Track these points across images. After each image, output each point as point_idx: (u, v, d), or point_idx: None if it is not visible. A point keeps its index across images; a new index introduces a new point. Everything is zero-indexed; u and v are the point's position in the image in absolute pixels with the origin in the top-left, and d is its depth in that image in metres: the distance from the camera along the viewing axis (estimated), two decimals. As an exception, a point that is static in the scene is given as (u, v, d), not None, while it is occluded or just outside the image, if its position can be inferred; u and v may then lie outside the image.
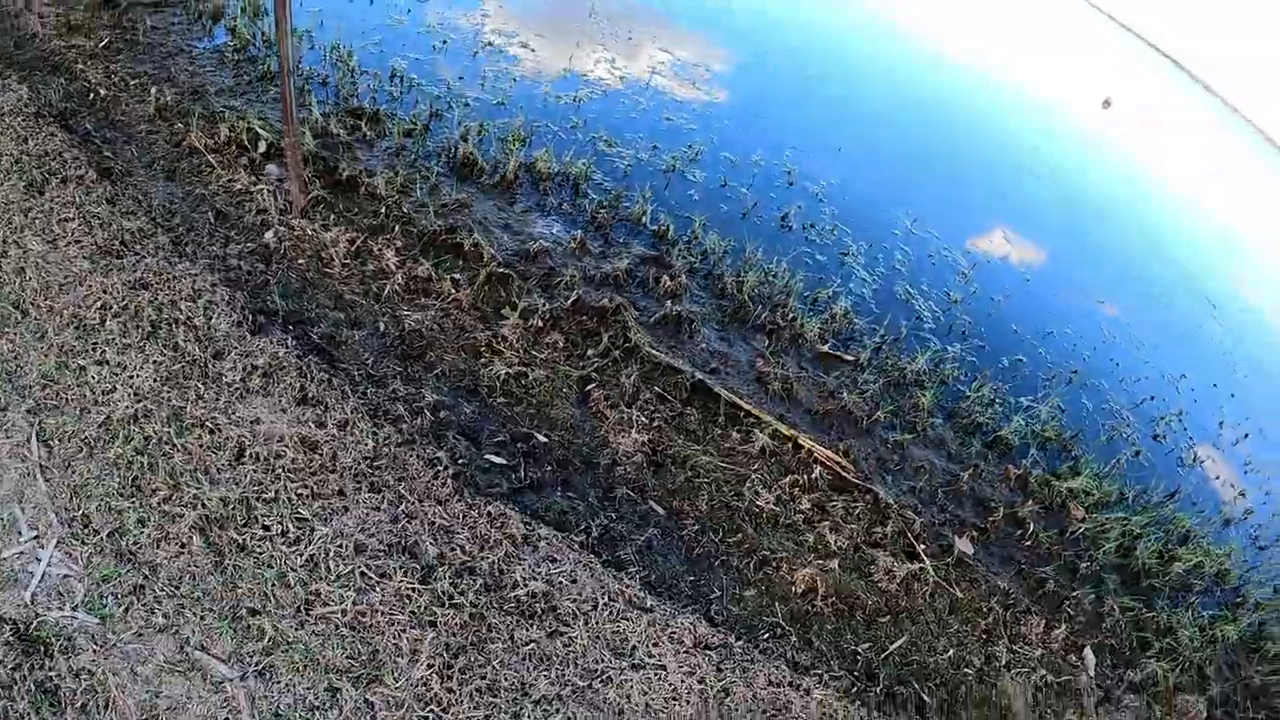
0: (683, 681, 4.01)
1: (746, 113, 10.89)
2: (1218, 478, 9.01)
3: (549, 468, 4.92)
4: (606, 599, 4.22)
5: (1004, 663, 5.23)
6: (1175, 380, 10.42)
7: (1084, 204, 16.51)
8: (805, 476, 5.58)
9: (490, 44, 9.25)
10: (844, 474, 5.78)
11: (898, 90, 17.47)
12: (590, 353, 5.80)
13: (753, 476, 5.42)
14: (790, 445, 5.77)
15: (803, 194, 9.27)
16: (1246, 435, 10.32)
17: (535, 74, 9.11)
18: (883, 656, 4.82)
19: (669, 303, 6.45)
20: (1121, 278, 13.69)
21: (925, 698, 4.74)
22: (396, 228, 6.10)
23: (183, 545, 3.62)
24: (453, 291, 5.77)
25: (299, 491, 4.03)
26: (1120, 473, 7.58)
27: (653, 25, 12.38)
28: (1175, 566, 6.78)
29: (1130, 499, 7.32)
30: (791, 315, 6.95)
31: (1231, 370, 12.46)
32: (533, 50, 9.56)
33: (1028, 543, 6.24)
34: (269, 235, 5.64)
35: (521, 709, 3.58)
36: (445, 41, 8.79)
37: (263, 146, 6.30)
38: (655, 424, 5.48)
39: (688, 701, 3.95)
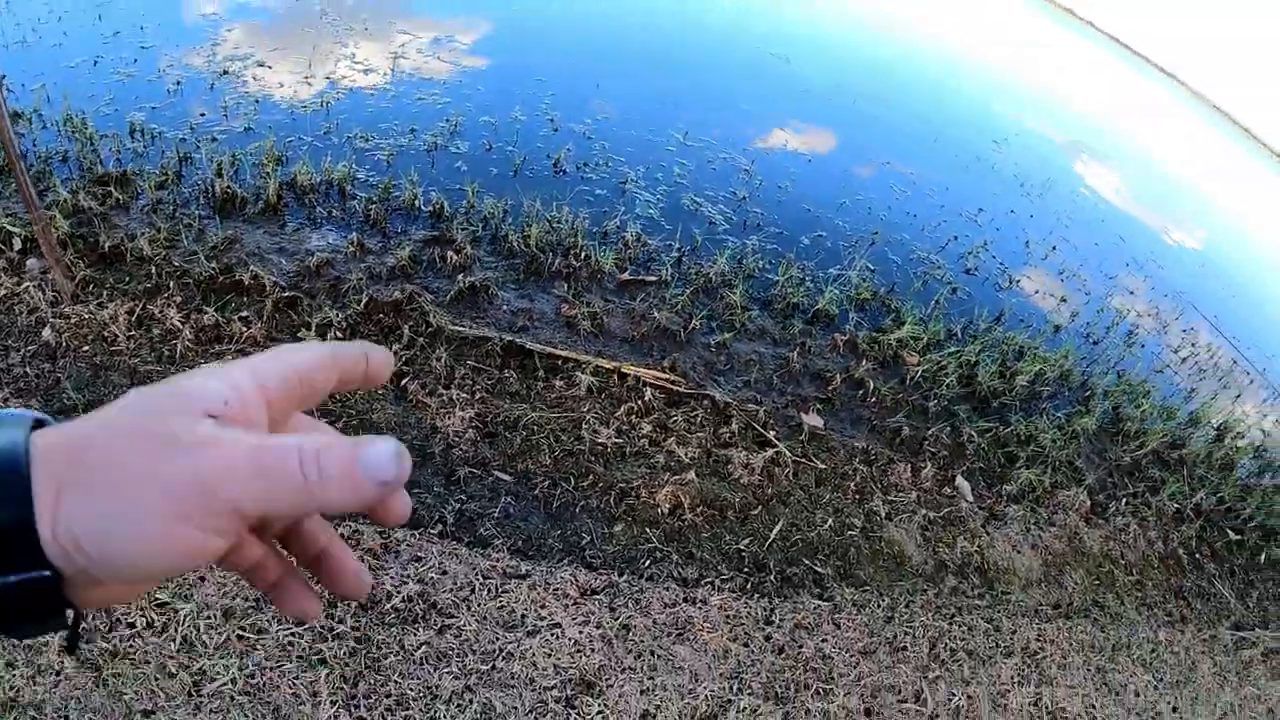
0: (581, 632, 3.93)
1: (499, 75, 10.65)
2: (1037, 292, 9.45)
3: (384, 472, 4.70)
4: (481, 579, 4.07)
5: (884, 515, 5.32)
6: (973, 216, 10.86)
7: (848, 78, 17.03)
8: (638, 402, 5.49)
9: (226, 72, 8.67)
10: (675, 388, 5.71)
11: (643, 17, 17.61)
12: (395, 348, 5.55)
13: (587, 417, 5.29)
14: (615, 376, 5.66)
15: (570, 136, 9.12)
16: (1054, 247, 10.88)
17: (277, 90, 8.61)
18: (766, 546, 4.80)
19: (461, 276, 6.22)
20: (900, 135, 14.17)
21: (819, 569, 4.77)
22: (172, 284, 5.66)
23: (57, 672, 3.29)
24: (244, 330, 5.40)
25: (152, 577, 3.74)
26: (942, 313, 7.81)
27: (388, 12, 11.95)
28: (1018, 380, 7.04)
29: (959, 333, 7.55)
30: (585, 254, 6.80)
31: (1025, 194, 13.12)
32: (270, 67, 9.03)
33: (872, 399, 6.33)
34: (46, 332, 5.16)
35: (435, 711, 3.42)
36: (179, 82, 8.19)
37: (17, 244, 5.76)
38: (478, 397, 5.29)
39: (593, 650, 3.87)
